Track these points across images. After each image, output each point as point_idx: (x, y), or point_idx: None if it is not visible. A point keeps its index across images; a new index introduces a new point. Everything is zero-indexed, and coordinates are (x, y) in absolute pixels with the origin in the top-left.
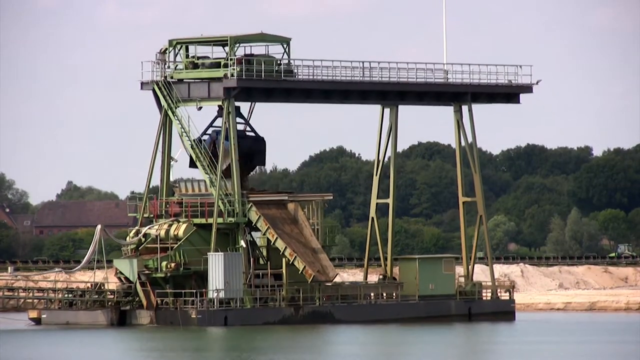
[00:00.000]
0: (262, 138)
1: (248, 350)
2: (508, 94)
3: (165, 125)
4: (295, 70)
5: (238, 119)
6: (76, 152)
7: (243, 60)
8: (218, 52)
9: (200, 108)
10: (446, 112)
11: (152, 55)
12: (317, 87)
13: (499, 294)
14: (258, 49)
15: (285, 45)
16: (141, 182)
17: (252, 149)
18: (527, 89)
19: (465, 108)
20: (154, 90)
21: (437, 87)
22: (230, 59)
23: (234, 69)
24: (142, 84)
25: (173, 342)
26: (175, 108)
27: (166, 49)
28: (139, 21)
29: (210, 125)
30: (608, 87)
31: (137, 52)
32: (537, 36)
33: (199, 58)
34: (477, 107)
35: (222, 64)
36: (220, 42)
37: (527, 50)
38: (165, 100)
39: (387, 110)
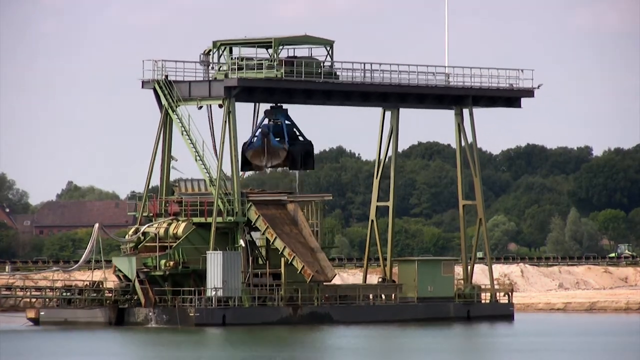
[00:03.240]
0: (310, 142)
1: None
2: (509, 98)
3: (166, 125)
4: (338, 73)
5: (287, 122)
6: (76, 152)
7: (284, 62)
8: (261, 54)
9: (200, 107)
10: (446, 114)
11: (152, 55)
12: (318, 89)
13: (497, 298)
14: (301, 51)
15: (328, 48)
16: (141, 182)
17: (302, 152)
18: (529, 93)
19: (466, 111)
20: (154, 89)
21: (439, 90)
22: (274, 61)
23: (277, 71)
24: (142, 82)
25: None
26: (176, 107)
27: (210, 50)
28: (139, 22)
29: (258, 126)
30: (608, 88)
31: (137, 52)
32: (538, 38)
33: (242, 59)
34: (477, 109)
35: (265, 65)
36: (264, 43)
37: (528, 52)
38: (166, 99)
39: (387, 113)
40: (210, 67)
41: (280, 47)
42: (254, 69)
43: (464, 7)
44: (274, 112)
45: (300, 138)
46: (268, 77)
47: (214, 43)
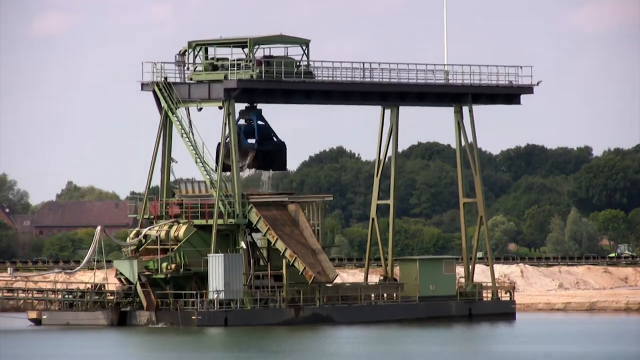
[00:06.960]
0: (284, 142)
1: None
2: (508, 94)
3: (166, 127)
4: (314, 72)
5: (260, 122)
6: (76, 152)
7: (262, 62)
8: (237, 54)
9: (200, 109)
10: (446, 113)
11: (152, 57)
12: (317, 89)
13: (499, 295)
14: (277, 50)
15: (304, 47)
16: (141, 183)
17: (272, 152)
18: (528, 89)
19: (465, 109)
20: (154, 92)
21: (438, 88)
22: (250, 61)
23: (253, 71)
24: (142, 85)
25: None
26: (176, 109)
27: (185, 50)
28: (139, 22)
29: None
30: (608, 88)
31: (138, 53)
32: (537, 37)
33: (218, 60)
34: (477, 107)
35: (241, 65)
36: (240, 43)
37: (527, 51)
38: (166, 102)
39: (387, 111)
40: (185, 68)
41: (256, 46)
42: (229, 69)
43: (463, 4)
44: (247, 112)
45: (274, 138)
46: (268, 78)
47: (189, 43)
